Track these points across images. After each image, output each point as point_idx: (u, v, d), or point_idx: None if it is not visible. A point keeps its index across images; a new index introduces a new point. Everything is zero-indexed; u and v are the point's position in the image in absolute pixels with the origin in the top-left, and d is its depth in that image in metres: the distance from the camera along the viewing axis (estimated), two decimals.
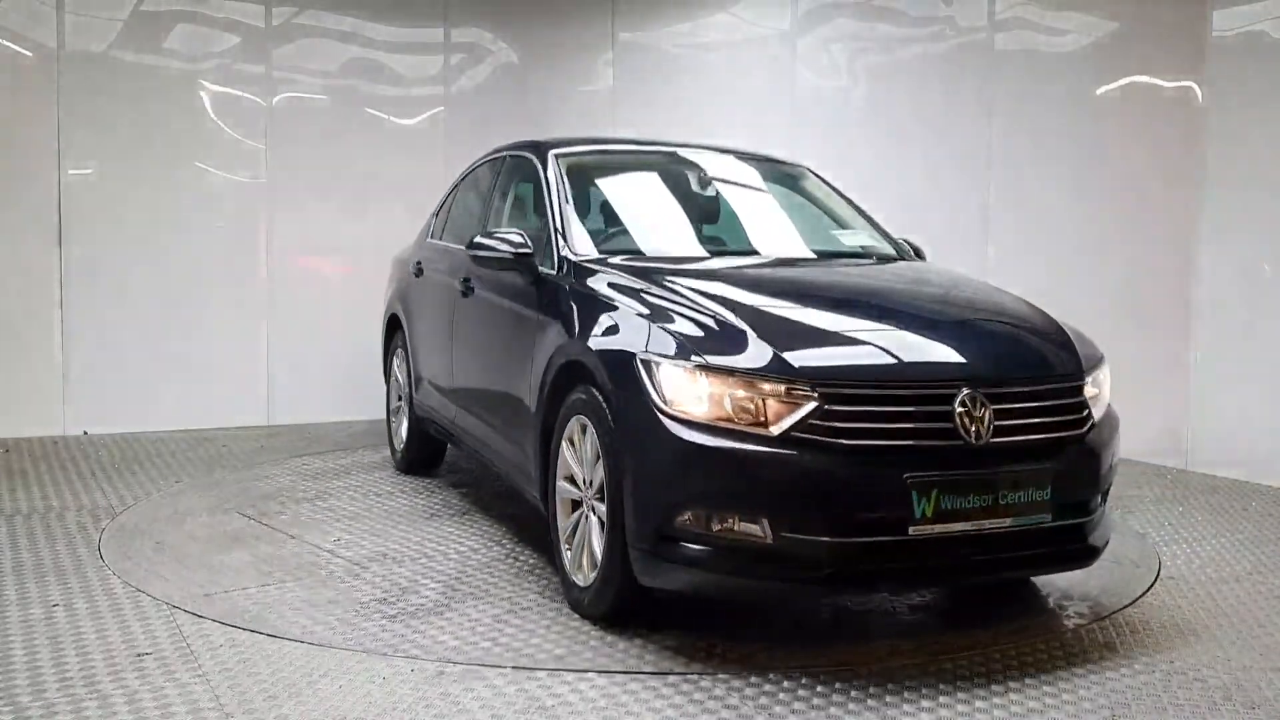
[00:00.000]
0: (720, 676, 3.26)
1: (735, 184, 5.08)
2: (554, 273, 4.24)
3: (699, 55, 7.98)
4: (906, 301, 3.96)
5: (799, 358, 3.32)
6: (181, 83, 7.36)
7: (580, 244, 4.33)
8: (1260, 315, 6.14)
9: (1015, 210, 6.98)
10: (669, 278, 3.92)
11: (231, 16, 7.53)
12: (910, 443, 3.25)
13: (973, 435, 3.27)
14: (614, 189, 4.95)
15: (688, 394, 3.31)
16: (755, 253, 4.59)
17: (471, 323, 5.04)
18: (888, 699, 3.13)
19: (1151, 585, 4.26)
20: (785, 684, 3.22)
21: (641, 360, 3.43)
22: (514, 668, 3.28)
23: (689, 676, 3.26)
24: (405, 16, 8.14)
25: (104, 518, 5.01)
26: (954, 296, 4.12)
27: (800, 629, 3.77)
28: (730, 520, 3.23)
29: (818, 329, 3.59)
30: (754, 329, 3.45)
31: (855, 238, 4.86)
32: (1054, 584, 4.24)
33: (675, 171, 5.05)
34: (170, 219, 7.31)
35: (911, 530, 3.20)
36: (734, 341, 3.41)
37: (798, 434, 3.20)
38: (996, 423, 3.32)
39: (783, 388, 3.24)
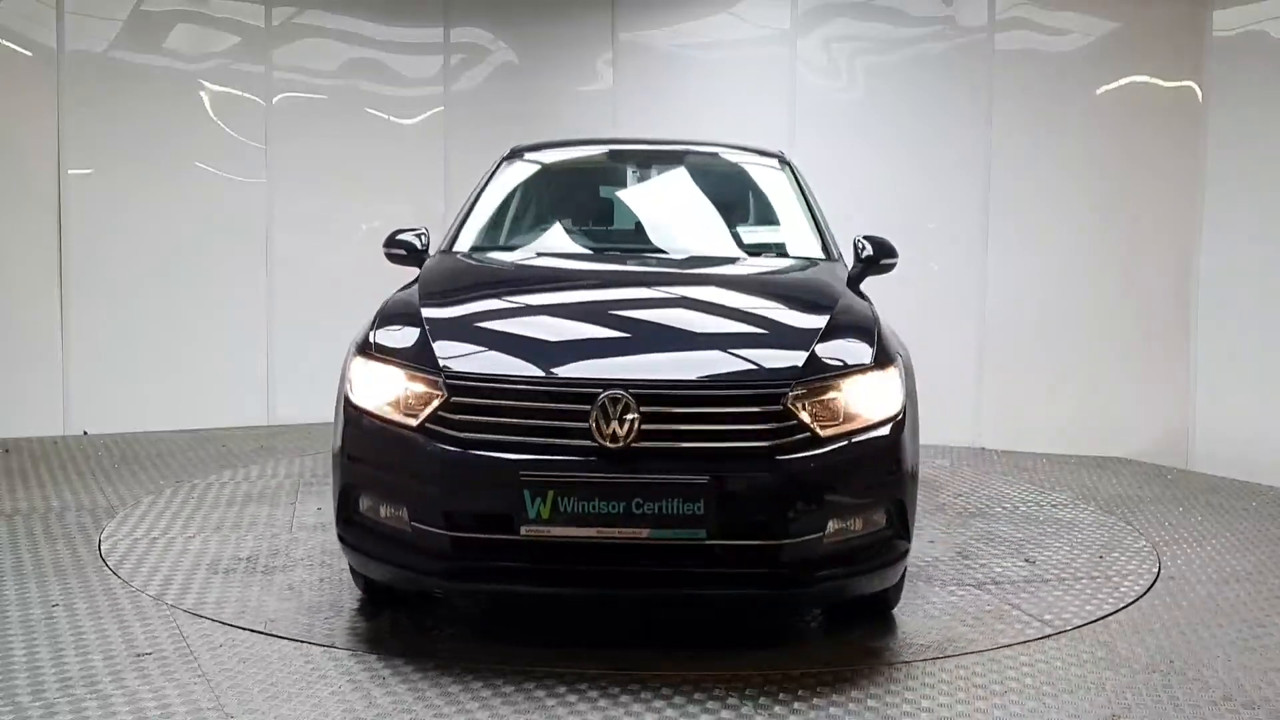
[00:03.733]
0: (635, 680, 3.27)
1: (679, 182, 5.04)
2: None
3: (699, 55, 7.97)
4: (650, 302, 3.86)
5: (447, 352, 3.35)
6: (181, 83, 7.36)
7: (461, 242, 4.57)
8: (1260, 315, 6.14)
9: (1015, 210, 6.98)
10: (454, 272, 4.15)
11: (231, 16, 7.52)
12: (529, 439, 3.17)
13: (608, 439, 3.13)
14: (549, 188, 5.07)
15: (363, 384, 3.45)
16: (637, 250, 4.54)
17: None
18: (887, 699, 3.14)
19: (1152, 585, 4.27)
20: (748, 690, 3.22)
21: (352, 351, 3.58)
22: (514, 670, 3.28)
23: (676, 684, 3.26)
24: (405, 16, 8.13)
25: (104, 518, 5.01)
26: (718, 298, 3.94)
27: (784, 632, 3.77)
28: (391, 509, 3.32)
29: (504, 325, 3.65)
30: (437, 324, 3.51)
31: (768, 235, 4.77)
32: (1065, 574, 4.24)
33: (619, 170, 5.11)
34: (170, 219, 7.31)
35: (523, 530, 3.11)
36: (412, 335, 3.49)
37: (430, 425, 3.24)
38: (646, 427, 3.13)
39: (423, 379, 3.30)
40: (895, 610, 3.84)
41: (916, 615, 3.85)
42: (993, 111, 7.00)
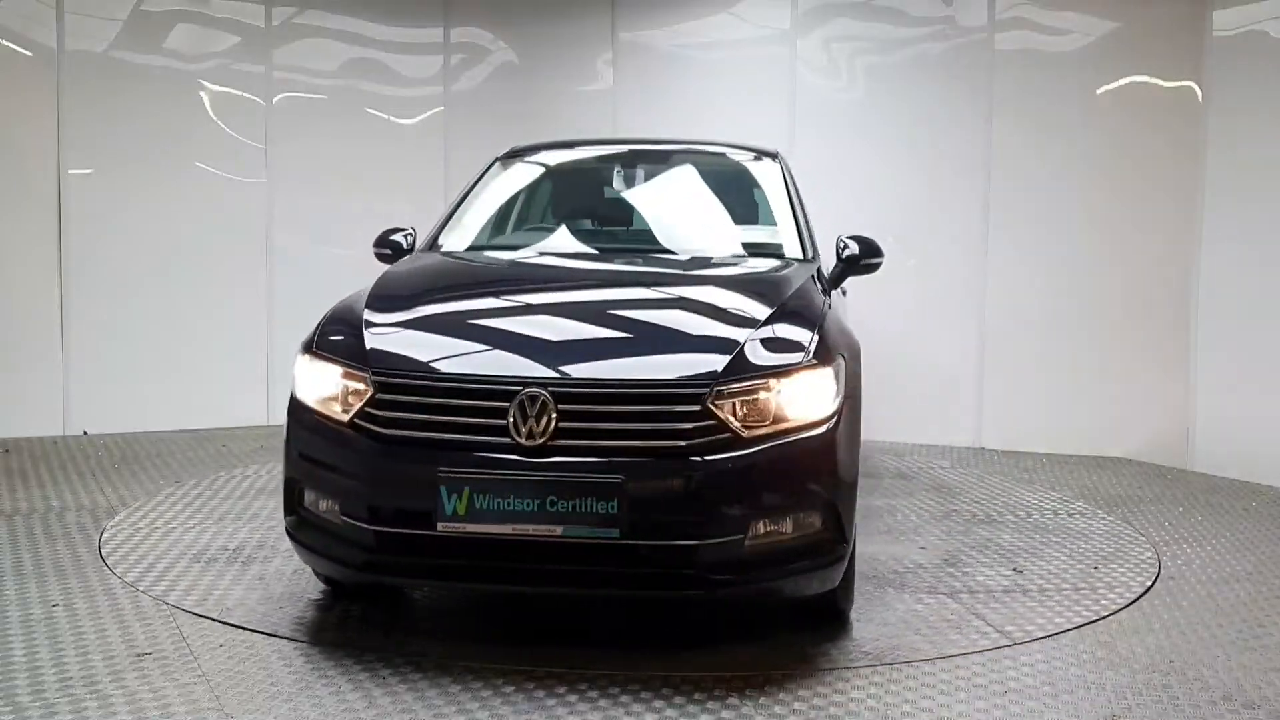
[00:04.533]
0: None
1: (661, 182, 5.06)
2: None
3: (699, 55, 7.97)
4: (589, 301, 3.89)
5: (378, 349, 3.43)
6: (181, 83, 7.35)
7: (441, 241, 4.67)
8: (1260, 316, 6.14)
9: (1015, 210, 6.98)
10: (412, 271, 4.23)
11: (231, 16, 7.52)
12: (448, 436, 3.22)
13: (524, 436, 3.15)
14: (532, 189, 5.13)
15: (306, 380, 3.57)
16: (608, 250, 4.58)
17: None
18: (887, 699, 3.14)
19: (1151, 585, 4.27)
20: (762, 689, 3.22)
21: (299, 348, 3.70)
22: (514, 670, 3.28)
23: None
24: (405, 16, 8.13)
25: (104, 518, 5.01)
26: (661, 297, 3.94)
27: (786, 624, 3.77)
28: (328, 503, 3.39)
29: (439, 324, 3.66)
30: (375, 322, 3.60)
31: (743, 234, 4.72)
32: (1048, 584, 4.24)
33: (604, 171, 5.14)
34: (170, 219, 7.31)
35: (440, 526, 3.14)
36: (352, 333, 3.57)
37: (359, 421, 3.32)
38: (564, 425, 3.15)
39: (354, 375, 3.38)
40: (850, 615, 3.77)
41: (872, 622, 3.76)
42: (993, 111, 6.99)
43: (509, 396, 3.18)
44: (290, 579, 4.12)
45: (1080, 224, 6.83)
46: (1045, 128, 6.89)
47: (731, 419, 3.21)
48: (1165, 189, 6.60)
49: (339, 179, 7.84)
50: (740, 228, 4.84)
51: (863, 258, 4.44)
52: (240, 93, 7.54)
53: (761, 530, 3.22)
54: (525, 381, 3.20)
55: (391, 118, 8.08)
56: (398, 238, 4.61)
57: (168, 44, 7.34)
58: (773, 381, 3.29)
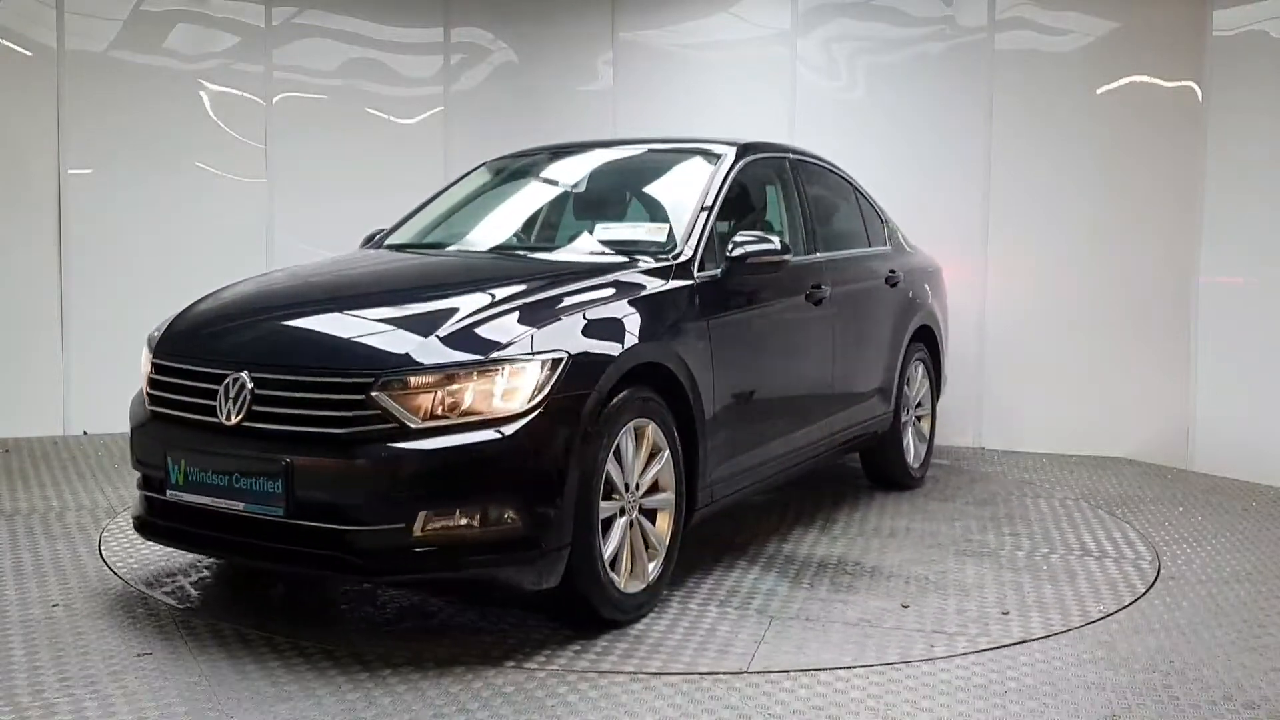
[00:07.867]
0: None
1: (592, 182, 5.07)
2: None
3: (699, 55, 7.96)
4: (354, 295, 4.11)
5: (166, 334, 3.91)
6: (181, 83, 7.35)
7: (397, 236, 5.00)
8: (1260, 316, 6.14)
9: (1015, 210, 6.98)
10: (326, 263, 4.65)
11: (231, 16, 7.52)
12: (180, 414, 3.64)
13: (224, 416, 3.46)
14: (480, 193, 5.23)
15: (143, 364, 3.93)
16: (489, 249, 4.68)
17: None
18: (886, 699, 3.14)
19: (1152, 585, 4.27)
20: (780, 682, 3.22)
21: None
22: (515, 668, 3.28)
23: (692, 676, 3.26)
24: (405, 16, 8.13)
25: (104, 518, 5.01)
26: (417, 293, 4.05)
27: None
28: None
29: (225, 308, 4.02)
30: (187, 312, 4.04)
31: (627, 233, 4.56)
32: (911, 625, 4.01)
33: (555, 173, 5.17)
34: (170, 219, 7.31)
35: (168, 494, 3.57)
36: (168, 323, 4.01)
37: (145, 399, 3.82)
38: (258, 409, 3.42)
39: (149, 359, 3.85)
40: (638, 624, 3.68)
41: (639, 629, 3.64)
42: (993, 111, 6.99)
43: (220, 380, 3.52)
44: (289, 580, 4.12)
45: (1080, 223, 6.83)
46: (1045, 127, 6.88)
47: (401, 410, 3.29)
48: (1165, 188, 6.60)
49: (339, 179, 7.83)
50: (630, 226, 4.68)
51: (748, 257, 4.27)
52: (240, 93, 7.54)
53: (437, 521, 3.28)
54: (237, 366, 3.52)
55: (391, 118, 8.08)
56: (378, 240, 4.96)
57: (168, 44, 7.34)
58: (456, 374, 3.33)
